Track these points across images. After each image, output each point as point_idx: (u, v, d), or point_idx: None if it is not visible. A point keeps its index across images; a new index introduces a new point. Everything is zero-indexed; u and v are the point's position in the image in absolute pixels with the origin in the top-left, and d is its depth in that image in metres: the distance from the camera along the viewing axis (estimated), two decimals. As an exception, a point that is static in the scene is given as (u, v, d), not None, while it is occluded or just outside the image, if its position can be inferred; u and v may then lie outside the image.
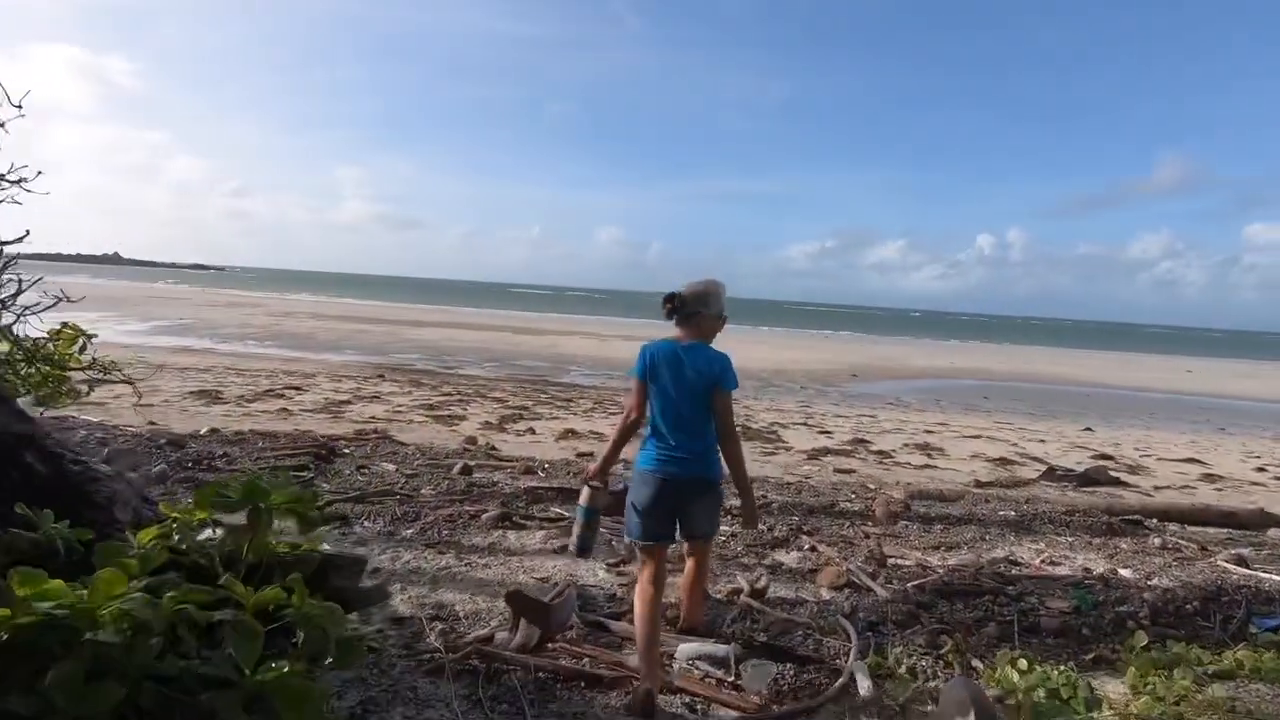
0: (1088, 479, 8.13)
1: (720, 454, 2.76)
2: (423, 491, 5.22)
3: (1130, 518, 5.81)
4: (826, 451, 9.26)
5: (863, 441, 10.26)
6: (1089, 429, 15.56)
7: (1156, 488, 8.30)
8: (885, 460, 8.98)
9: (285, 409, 9.64)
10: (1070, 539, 5.15)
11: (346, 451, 6.77)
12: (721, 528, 4.14)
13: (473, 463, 6.51)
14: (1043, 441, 11.79)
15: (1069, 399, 23.04)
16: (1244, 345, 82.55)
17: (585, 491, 2.95)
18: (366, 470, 5.88)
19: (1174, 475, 9.29)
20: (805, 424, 12.00)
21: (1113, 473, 9.17)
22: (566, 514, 4.77)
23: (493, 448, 7.74)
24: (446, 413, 10.36)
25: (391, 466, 6.18)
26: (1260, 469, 10.14)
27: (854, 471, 7.83)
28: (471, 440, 7.99)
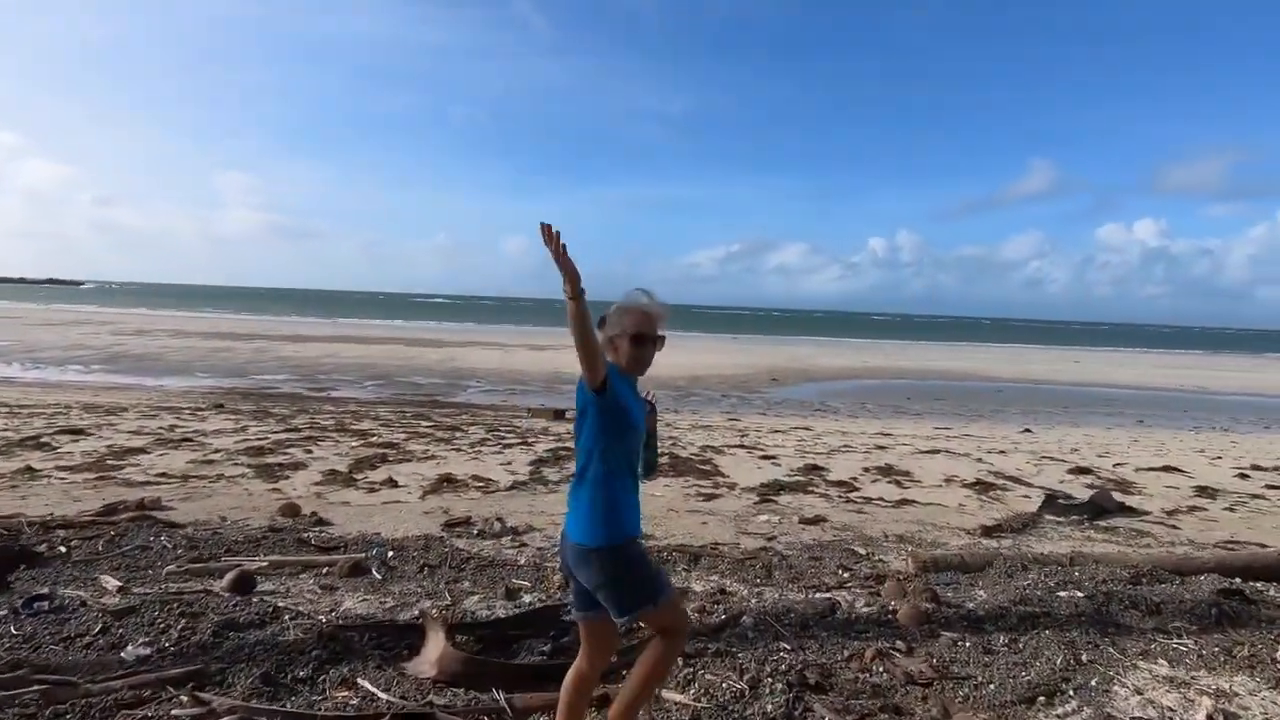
0: (1096, 508, 6.61)
1: (596, 506, 2.06)
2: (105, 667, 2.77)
3: (1227, 588, 4.15)
4: (779, 488, 7.34)
5: (816, 469, 8.44)
6: (1028, 430, 14.68)
7: (1167, 512, 6.89)
8: (852, 496, 7.16)
9: (28, 468, 6.74)
10: (1189, 645, 3.38)
11: (61, 550, 4.20)
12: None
13: (265, 562, 4.09)
14: (1003, 453, 10.44)
15: (986, 396, 22.71)
16: (1105, 337, 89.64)
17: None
18: (47, 601, 3.36)
19: (1166, 490, 8.00)
20: (741, 445, 10.11)
21: (1106, 491, 7.78)
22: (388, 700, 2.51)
23: (319, 521, 5.28)
24: (279, 459, 7.72)
25: (112, 583, 3.69)
26: (1241, 474, 9.10)
27: (824, 520, 5.92)
28: (291, 509, 5.49)
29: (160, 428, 9.49)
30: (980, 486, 7.79)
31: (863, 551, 4.99)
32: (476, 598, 3.76)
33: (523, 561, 4.48)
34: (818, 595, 3.98)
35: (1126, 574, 4.39)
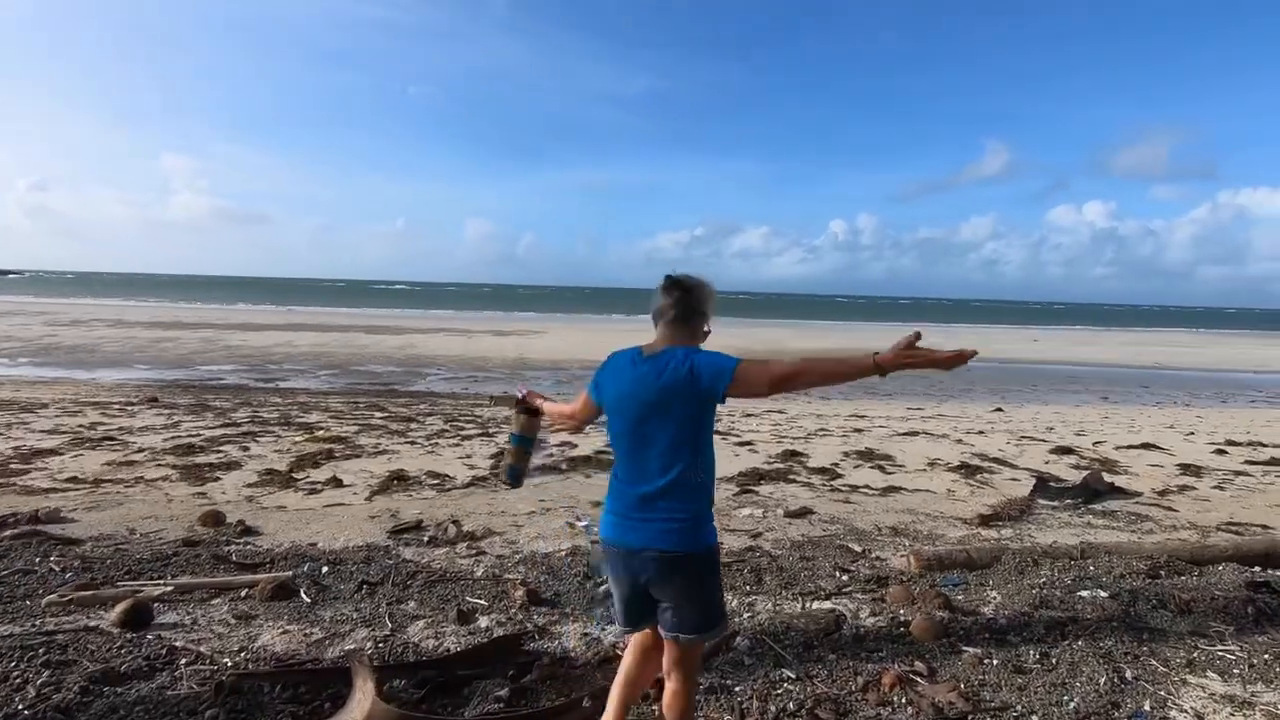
0: (1089, 491, 6.30)
1: (709, 512, 1.92)
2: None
3: (1253, 579, 3.81)
4: (759, 477, 6.89)
5: (795, 455, 8.01)
6: (1000, 409, 14.59)
7: (1158, 493, 6.64)
8: (836, 484, 6.74)
9: (-88, 476, 5.90)
10: (1235, 652, 2.99)
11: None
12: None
13: (171, 586, 3.46)
14: (982, 434, 10.19)
15: (953, 376, 22.75)
16: (1059, 316, 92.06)
17: (515, 416, 2.44)
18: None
19: (1150, 470, 7.78)
20: (715, 431, 9.64)
21: (1097, 473, 7.52)
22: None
23: (246, 530, 4.62)
24: (210, 459, 6.98)
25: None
26: (1219, 450, 8.98)
27: (811, 512, 5.47)
28: (214, 517, 4.81)
29: (80, 425, 8.61)
30: (966, 470, 7.45)
31: (858, 548, 4.54)
32: (422, 623, 3.19)
33: (479, 574, 3.92)
34: (817, 605, 3.50)
35: (1143, 566, 4.03)
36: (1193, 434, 10.64)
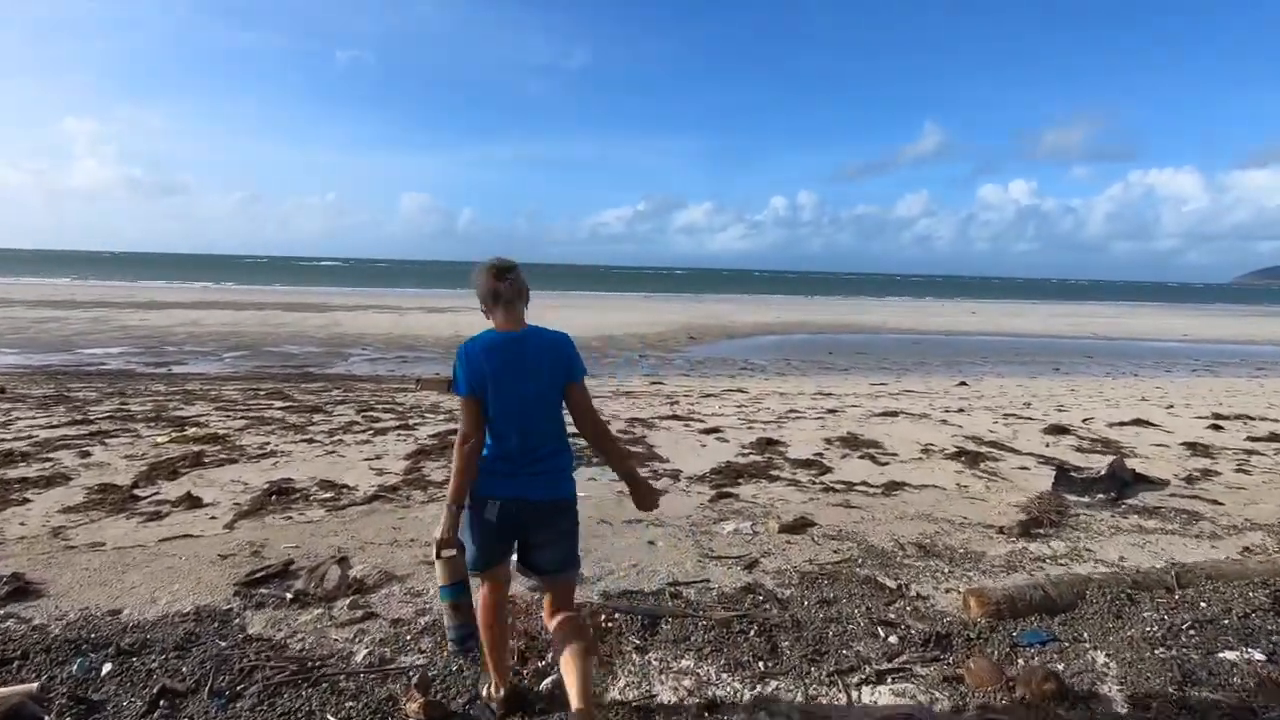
0: (1118, 482, 5.40)
1: (573, 464, 2.25)
2: None
3: None
4: (736, 473, 5.72)
5: (772, 444, 6.89)
6: (963, 383, 13.96)
7: (1185, 480, 5.81)
8: (827, 481, 5.64)
9: None
10: None
11: None
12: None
13: None
14: (962, 412, 9.34)
15: (905, 349, 22.37)
16: (989, 289, 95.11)
17: (439, 566, 2.08)
18: None
19: (1157, 451, 7.02)
20: (674, 415, 8.47)
21: (1099, 455, 6.70)
22: None
23: (19, 590, 3.15)
24: (30, 471, 5.34)
25: None
26: (1214, 426, 8.35)
27: (811, 525, 4.33)
28: (-22, 569, 3.30)
29: (-127, 427, 6.74)
30: (966, 458, 6.49)
31: (890, 583, 3.42)
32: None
33: (360, 658, 2.60)
34: (868, 693, 2.34)
35: (1267, 599, 3.04)
36: (1172, 407, 10.09)
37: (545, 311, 32.46)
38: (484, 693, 2.34)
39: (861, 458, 6.49)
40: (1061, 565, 3.72)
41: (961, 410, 9.45)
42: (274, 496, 4.81)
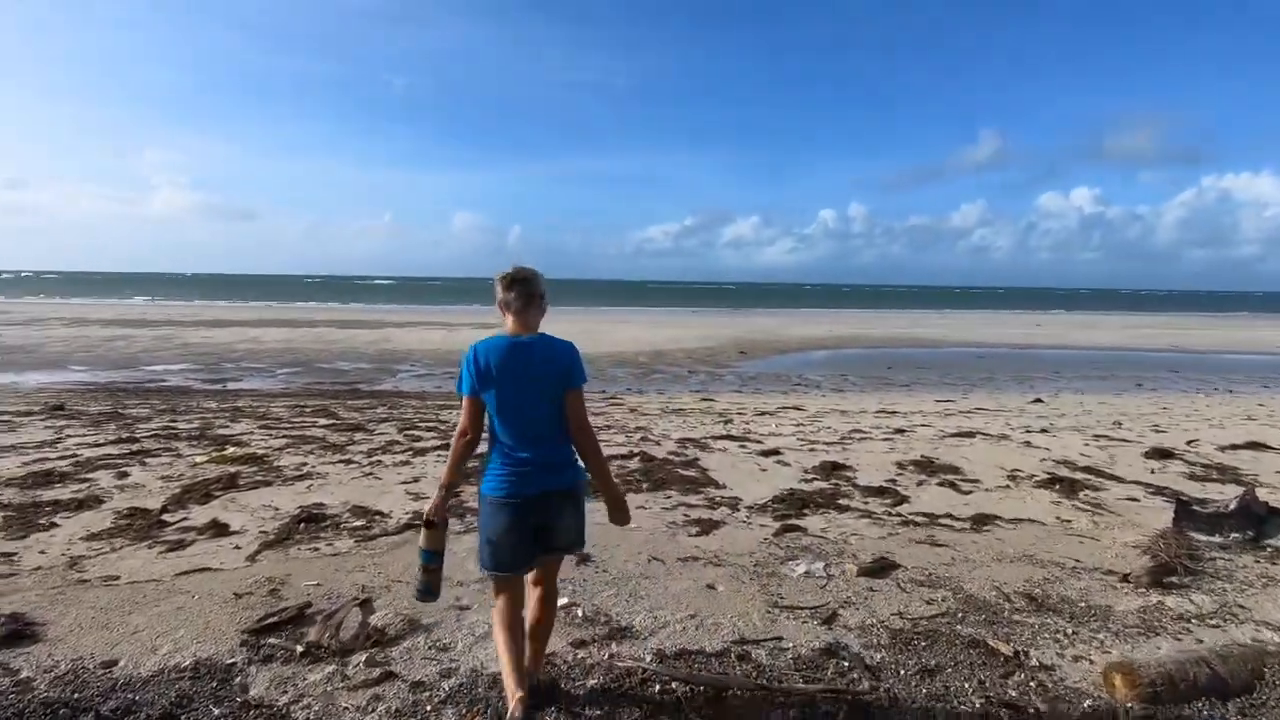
0: (1252, 517, 4.63)
1: (575, 455, 2.38)
2: None
3: None
4: (801, 502, 5.16)
5: (837, 469, 6.30)
6: (1039, 399, 12.99)
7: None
8: (904, 512, 5.03)
9: None
10: None
11: None
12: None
13: None
14: (1045, 432, 8.52)
15: (969, 363, 21.22)
16: (1050, 300, 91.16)
17: (423, 532, 2.35)
18: None
19: (1284, 478, 6.14)
20: (728, 435, 7.94)
21: (1217, 483, 5.89)
22: None
23: (16, 631, 2.86)
24: (64, 493, 5.18)
25: None
26: (1345, 451, 7.35)
27: (894, 566, 3.76)
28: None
29: (-70, 445, 6.78)
30: (1060, 486, 5.77)
31: (1003, 648, 2.83)
32: None
33: None
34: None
35: None
36: (1286, 428, 9.03)
37: (592, 327, 32.32)
38: (505, 706, 2.26)
39: (940, 485, 5.84)
40: (1214, 627, 3.06)
41: (1045, 430, 8.63)
42: (303, 525, 4.50)
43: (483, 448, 2.38)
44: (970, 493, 5.60)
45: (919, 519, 4.83)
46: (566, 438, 2.31)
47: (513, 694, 2.17)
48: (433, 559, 2.36)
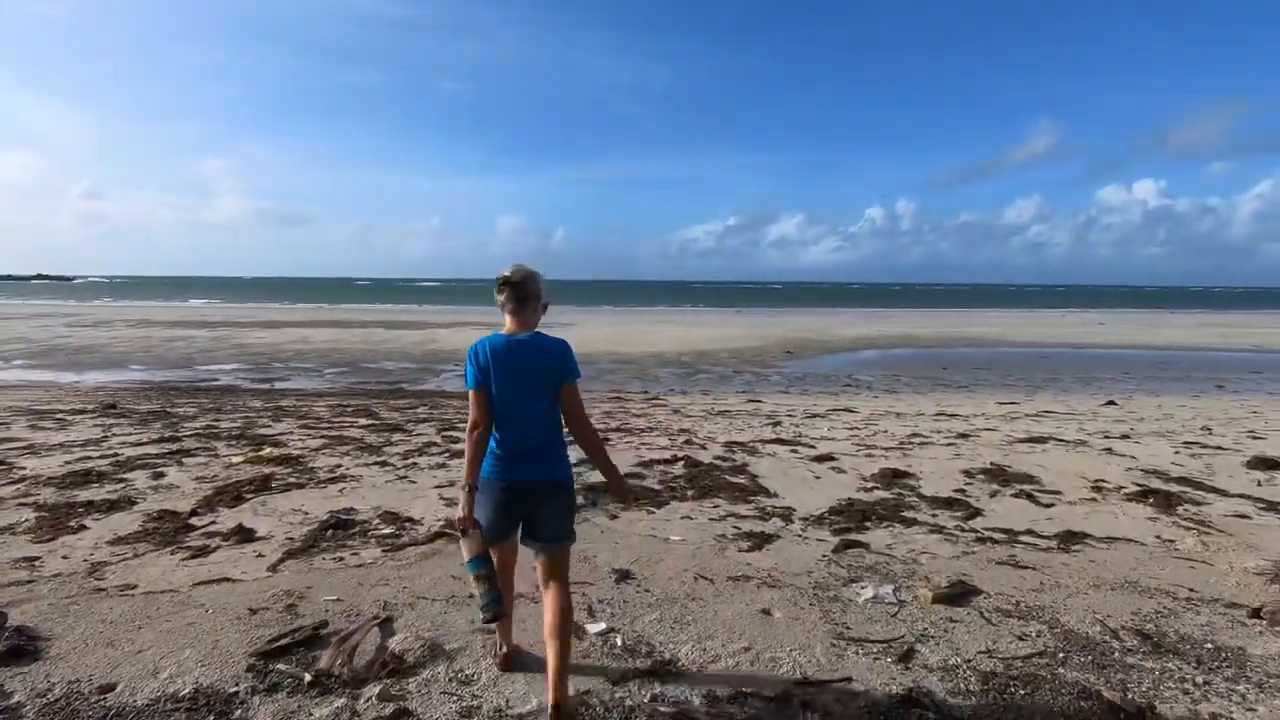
0: (1395, 542, 4.00)
1: (566, 450, 2.48)
2: None
3: None
4: (861, 515, 4.72)
5: (899, 476, 5.82)
6: (1111, 402, 12.13)
7: None
8: (977, 526, 4.54)
9: None
10: None
11: None
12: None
13: None
14: (1127, 438, 7.83)
15: (1030, 363, 20.16)
16: (1116, 298, 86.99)
17: (463, 543, 2.35)
18: None
19: None
20: (778, 439, 7.50)
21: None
22: None
23: (17, 647, 2.67)
24: (99, 494, 5.10)
25: None
26: None
27: (972, 591, 3.31)
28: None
29: (-18, 443, 6.87)
30: (1156, 500, 5.17)
31: (1120, 701, 2.37)
32: None
33: None
34: None
35: None
36: None
37: (635, 327, 32.05)
38: (494, 653, 2.54)
39: (1016, 496, 5.31)
40: (1382, 680, 2.53)
41: (1126, 436, 7.94)
42: (330, 531, 4.28)
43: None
44: (1051, 506, 5.06)
45: (997, 535, 4.34)
46: (558, 432, 2.42)
47: (499, 644, 2.59)
48: (482, 565, 2.33)
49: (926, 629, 2.96)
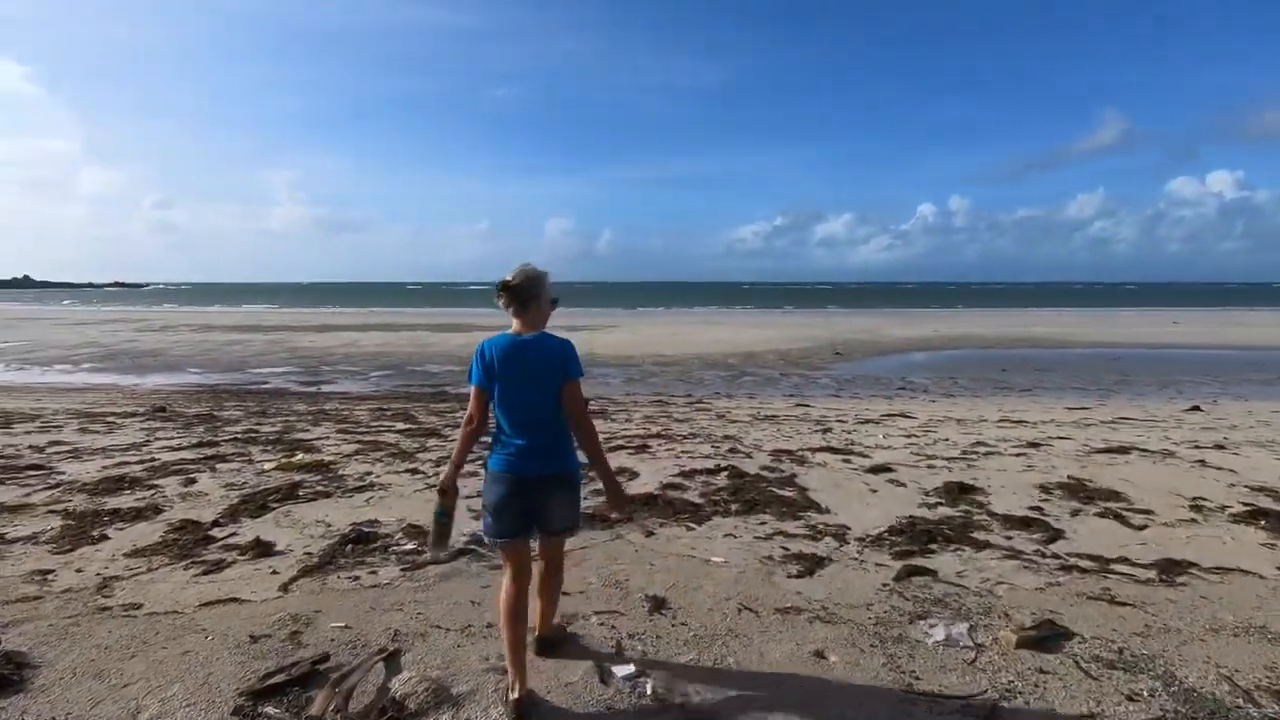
0: None
1: (573, 444, 2.55)
2: None
3: None
4: (926, 535, 4.24)
5: (965, 491, 5.30)
6: (1196, 408, 11.17)
7: None
8: (1057, 550, 4.02)
9: None
10: None
11: None
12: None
13: None
14: (1221, 449, 7.07)
15: (1099, 365, 18.95)
16: (1190, 296, 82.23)
17: (437, 497, 2.61)
18: None
19: None
20: (828, 447, 7.02)
21: None
22: None
23: (9, 673, 2.48)
24: (128, 501, 5.01)
25: None
26: None
27: (1068, 636, 2.84)
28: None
29: (30, 447, 6.96)
30: (1268, 522, 4.53)
31: (1277, 793, 1.90)
32: None
33: None
34: None
35: None
36: None
37: (680, 329, 31.65)
38: (505, 696, 2.42)
39: (1101, 515, 4.73)
40: None
41: (1220, 447, 7.17)
42: (350, 546, 4.04)
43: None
44: (1144, 528, 4.48)
45: (1085, 563, 3.82)
46: (561, 427, 2.47)
47: (511, 687, 2.37)
48: (444, 516, 2.61)
49: (1013, 682, 2.52)
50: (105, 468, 6.02)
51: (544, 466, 2.44)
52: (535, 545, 2.64)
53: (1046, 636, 2.86)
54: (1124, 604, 3.24)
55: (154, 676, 2.55)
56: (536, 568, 2.61)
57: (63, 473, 5.85)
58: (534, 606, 2.64)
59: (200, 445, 7.06)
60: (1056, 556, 3.93)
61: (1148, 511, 4.83)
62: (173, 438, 7.52)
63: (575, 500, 2.55)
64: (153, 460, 6.32)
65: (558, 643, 2.78)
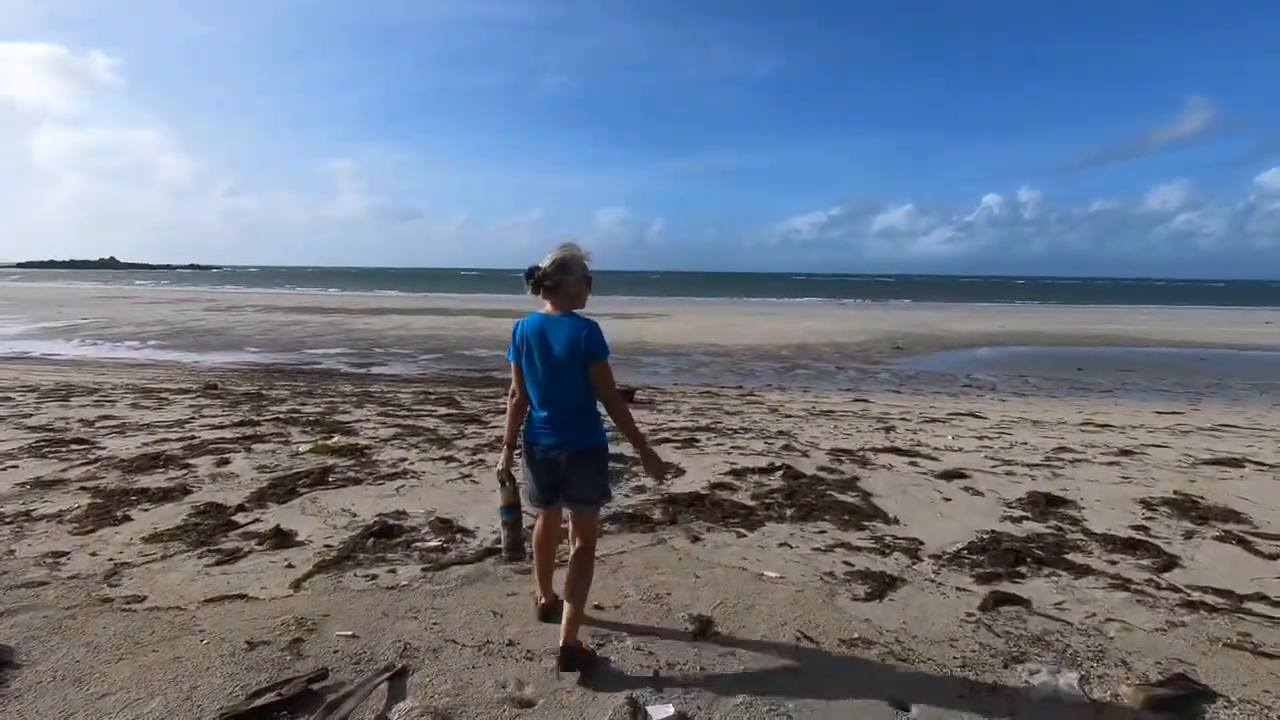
0: None
1: (599, 419, 2.61)
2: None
3: None
4: (1013, 556, 3.69)
5: (1055, 503, 4.69)
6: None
7: None
8: (1172, 580, 3.42)
9: None
10: None
11: None
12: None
13: None
14: (1351, 464, 6.20)
15: (1186, 366, 17.52)
16: (1274, 294, 76.46)
17: (499, 491, 2.73)
18: None
19: None
20: (893, 448, 6.46)
21: None
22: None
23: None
24: (160, 481, 4.88)
25: None
26: None
27: (1208, 698, 2.31)
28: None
29: (80, 420, 7.00)
30: None
31: None
32: None
33: None
34: None
35: None
36: None
37: (732, 319, 30.98)
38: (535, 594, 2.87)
39: (1221, 539, 4.08)
40: None
41: (1351, 462, 6.30)
42: (372, 539, 3.76)
43: None
44: (1277, 557, 3.82)
45: (1211, 599, 3.22)
46: (586, 404, 2.55)
47: (538, 597, 2.84)
48: (510, 514, 2.67)
49: (1146, 757, 2.01)
50: (145, 444, 5.95)
51: (564, 440, 2.53)
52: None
53: (1179, 695, 2.33)
54: (1270, 655, 2.67)
55: (135, 686, 2.29)
56: (570, 563, 2.58)
57: (104, 448, 5.80)
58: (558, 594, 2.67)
59: (241, 424, 6.98)
60: (1175, 589, 3.35)
61: (1272, 537, 4.15)
62: (216, 415, 7.48)
63: (598, 474, 2.60)
64: (192, 439, 6.23)
65: (585, 665, 2.47)
